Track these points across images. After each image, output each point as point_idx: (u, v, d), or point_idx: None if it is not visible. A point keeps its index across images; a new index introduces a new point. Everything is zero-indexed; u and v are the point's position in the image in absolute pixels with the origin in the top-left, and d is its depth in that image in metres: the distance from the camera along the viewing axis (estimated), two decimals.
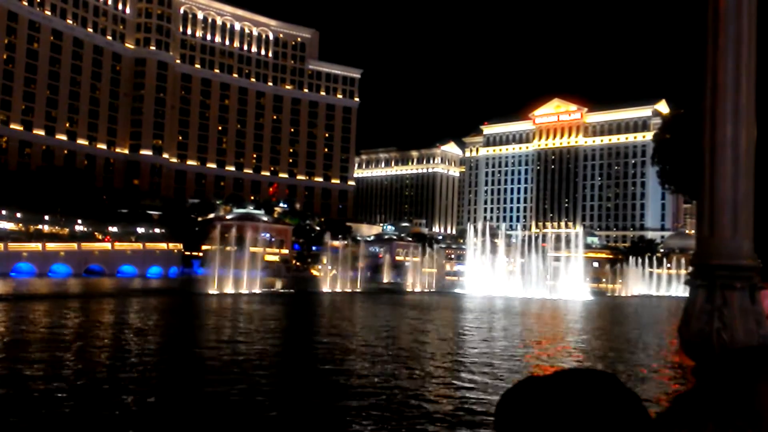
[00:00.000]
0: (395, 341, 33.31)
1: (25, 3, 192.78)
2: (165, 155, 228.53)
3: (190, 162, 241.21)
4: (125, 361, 23.74)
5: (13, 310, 42.16)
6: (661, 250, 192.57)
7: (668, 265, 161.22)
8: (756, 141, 4.27)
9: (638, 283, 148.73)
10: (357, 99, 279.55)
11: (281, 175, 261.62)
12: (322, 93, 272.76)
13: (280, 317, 47.09)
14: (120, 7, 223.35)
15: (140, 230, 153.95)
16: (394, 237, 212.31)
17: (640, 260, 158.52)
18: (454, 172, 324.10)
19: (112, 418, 15.46)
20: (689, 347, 4.25)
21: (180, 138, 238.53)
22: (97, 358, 24.52)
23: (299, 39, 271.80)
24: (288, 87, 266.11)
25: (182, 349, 28.36)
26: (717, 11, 4.25)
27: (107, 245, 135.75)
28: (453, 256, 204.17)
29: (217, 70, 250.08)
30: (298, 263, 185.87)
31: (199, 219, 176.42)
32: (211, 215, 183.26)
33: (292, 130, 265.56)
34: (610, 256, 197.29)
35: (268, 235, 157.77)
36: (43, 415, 15.33)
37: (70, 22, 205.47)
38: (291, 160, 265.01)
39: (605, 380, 1.38)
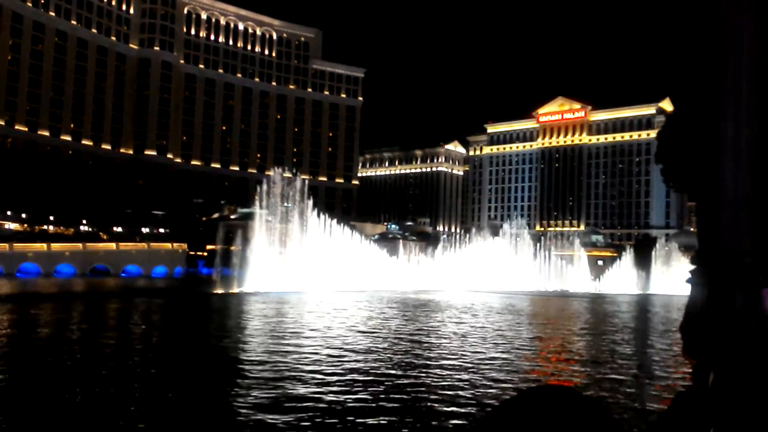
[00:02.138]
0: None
1: (30, 4, 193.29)
2: (169, 155, 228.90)
3: (194, 162, 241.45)
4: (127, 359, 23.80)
5: (18, 311, 42.29)
6: (666, 248, 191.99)
7: (673, 263, 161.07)
8: (756, 139, 4.28)
9: (639, 280, 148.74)
10: (361, 98, 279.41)
11: (285, 174, 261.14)
12: (326, 92, 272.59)
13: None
14: (124, 7, 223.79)
15: (145, 230, 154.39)
16: (399, 236, 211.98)
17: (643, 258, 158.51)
18: (458, 171, 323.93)
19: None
20: (691, 346, 4.26)
21: (184, 138, 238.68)
22: (98, 358, 24.57)
23: (303, 39, 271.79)
24: (292, 87, 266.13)
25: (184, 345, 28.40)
26: (718, 10, 4.26)
27: (112, 245, 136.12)
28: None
29: (221, 70, 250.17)
30: None
31: (204, 219, 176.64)
32: (216, 215, 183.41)
33: (296, 129, 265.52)
34: (615, 255, 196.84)
35: None
36: None
37: (74, 23, 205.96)
38: (295, 160, 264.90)
39: (566, 395, 1.48)
